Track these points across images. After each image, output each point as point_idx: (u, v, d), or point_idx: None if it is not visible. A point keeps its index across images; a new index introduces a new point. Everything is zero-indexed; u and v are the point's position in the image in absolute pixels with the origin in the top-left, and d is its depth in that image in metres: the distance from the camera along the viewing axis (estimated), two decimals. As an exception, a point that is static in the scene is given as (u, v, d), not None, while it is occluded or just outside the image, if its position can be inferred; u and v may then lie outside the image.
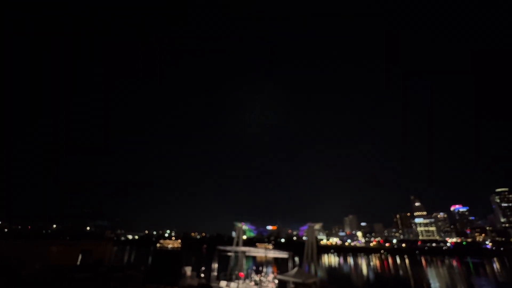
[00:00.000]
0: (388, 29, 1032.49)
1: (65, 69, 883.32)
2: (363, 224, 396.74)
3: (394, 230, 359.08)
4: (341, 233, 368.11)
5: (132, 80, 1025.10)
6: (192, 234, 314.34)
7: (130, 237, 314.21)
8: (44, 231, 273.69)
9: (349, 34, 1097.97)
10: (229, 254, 46.57)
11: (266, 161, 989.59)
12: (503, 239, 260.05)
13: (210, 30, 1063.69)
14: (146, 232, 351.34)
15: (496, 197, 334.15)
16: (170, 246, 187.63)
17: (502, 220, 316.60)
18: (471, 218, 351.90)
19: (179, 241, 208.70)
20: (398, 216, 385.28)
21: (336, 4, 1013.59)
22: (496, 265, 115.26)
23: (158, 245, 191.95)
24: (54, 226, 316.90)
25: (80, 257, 45.07)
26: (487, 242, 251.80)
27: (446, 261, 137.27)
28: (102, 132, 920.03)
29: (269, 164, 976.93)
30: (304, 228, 52.99)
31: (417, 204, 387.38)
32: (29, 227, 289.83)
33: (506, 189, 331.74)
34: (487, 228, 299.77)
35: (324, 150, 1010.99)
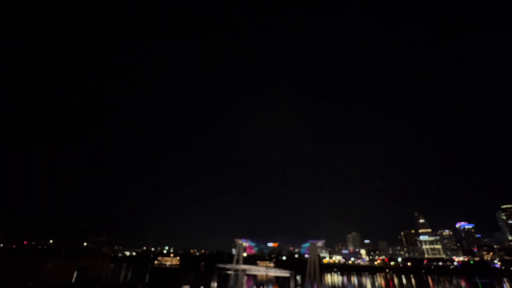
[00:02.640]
0: (400, 40, 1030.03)
1: (63, 73, 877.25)
2: (366, 241, 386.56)
3: (398, 248, 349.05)
4: (344, 251, 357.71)
5: (133, 87, 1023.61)
6: (191, 251, 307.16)
7: (127, 253, 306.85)
8: (40, 247, 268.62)
9: (359, 45, 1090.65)
10: (229, 272, 45.19)
11: (267, 178, 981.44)
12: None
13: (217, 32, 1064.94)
14: (144, 248, 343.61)
15: (502, 214, 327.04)
16: (168, 263, 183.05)
17: (510, 238, 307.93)
18: (477, 235, 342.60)
19: (178, 258, 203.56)
20: (402, 233, 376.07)
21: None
22: (506, 286, 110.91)
23: (156, 262, 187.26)
24: (51, 241, 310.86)
25: (75, 274, 43.79)
26: (495, 261, 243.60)
27: (454, 281, 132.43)
28: (101, 147, 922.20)
29: (270, 180, 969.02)
30: (306, 245, 51.64)
31: (421, 221, 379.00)
32: (25, 242, 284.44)
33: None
34: (495, 246, 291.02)
35: (326, 166, 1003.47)
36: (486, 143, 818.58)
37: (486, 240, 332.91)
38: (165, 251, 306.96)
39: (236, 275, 46.24)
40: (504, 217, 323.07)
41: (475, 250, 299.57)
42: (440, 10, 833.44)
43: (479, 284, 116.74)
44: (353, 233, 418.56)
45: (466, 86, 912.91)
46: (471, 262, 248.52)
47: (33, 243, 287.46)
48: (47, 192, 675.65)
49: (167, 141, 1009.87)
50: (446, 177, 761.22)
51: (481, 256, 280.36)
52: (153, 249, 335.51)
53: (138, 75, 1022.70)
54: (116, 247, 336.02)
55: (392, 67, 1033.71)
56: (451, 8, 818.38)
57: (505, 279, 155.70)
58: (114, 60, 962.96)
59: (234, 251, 55.31)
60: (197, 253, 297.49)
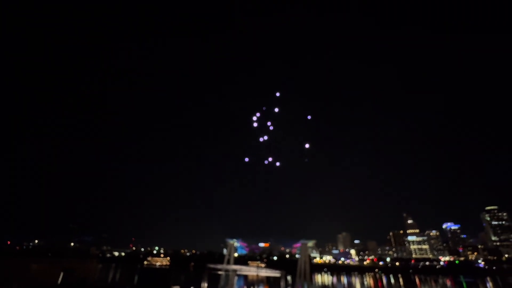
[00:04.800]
0: (400, 40, 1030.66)
1: (63, 73, 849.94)
2: (356, 241, 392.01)
3: (387, 248, 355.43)
4: (335, 251, 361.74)
5: (133, 87, 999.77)
6: (182, 251, 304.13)
7: (116, 253, 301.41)
8: (24, 247, 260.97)
9: (359, 45, 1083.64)
10: (220, 272, 44.93)
11: (259, 178, 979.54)
12: (495, 257, 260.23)
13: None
14: (134, 248, 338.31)
15: (486, 215, 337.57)
16: (158, 264, 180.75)
17: (493, 238, 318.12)
18: (462, 236, 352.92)
19: (168, 258, 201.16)
20: (391, 233, 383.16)
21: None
22: (489, 285, 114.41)
23: (145, 262, 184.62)
24: (36, 241, 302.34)
25: (61, 276, 42.64)
26: (479, 261, 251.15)
27: (440, 281, 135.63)
28: (91, 145, 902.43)
29: (262, 181, 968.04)
30: (297, 245, 51.86)
31: (409, 221, 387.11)
32: (9, 242, 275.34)
33: (496, 207, 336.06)
34: (479, 246, 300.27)
35: (317, 166, 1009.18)
36: (482, 144, 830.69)
37: (471, 240, 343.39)
38: (155, 251, 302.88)
39: (227, 275, 46.03)
40: (488, 218, 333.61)
41: (461, 250, 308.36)
42: (440, 10, 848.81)
43: (464, 283, 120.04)
44: (344, 234, 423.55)
45: (466, 86, 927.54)
46: (457, 262, 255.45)
47: (17, 243, 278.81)
48: (33, 190, 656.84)
49: (164, 141, 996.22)
50: (435, 178, 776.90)
51: (466, 256, 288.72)
52: (142, 249, 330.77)
53: (138, 75, 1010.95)
54: (104, 247, 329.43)
55: (392, 67, 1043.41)
56: (451, 8, 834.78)
57: (488, 278, 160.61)
58: (114, 60, 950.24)
59: (225, 251, 54.95)
60: (188, 253, 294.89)
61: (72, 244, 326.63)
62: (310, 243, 48.14)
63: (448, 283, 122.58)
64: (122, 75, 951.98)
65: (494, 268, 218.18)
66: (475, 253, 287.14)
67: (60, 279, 42.18)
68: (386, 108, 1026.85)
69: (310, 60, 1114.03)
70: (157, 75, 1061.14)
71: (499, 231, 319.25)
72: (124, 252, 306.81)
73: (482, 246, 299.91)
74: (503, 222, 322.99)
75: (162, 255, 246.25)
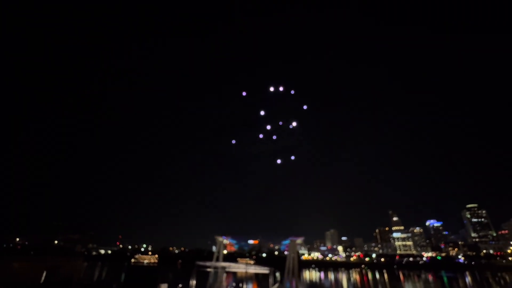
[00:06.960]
0: (400, 40, 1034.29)
1: (63, 74, 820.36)
2: (344, 238, 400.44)
3: (373, 244, 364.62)
4: (322, 248, 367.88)
5: (133, 87, 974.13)
6: (170, 248, 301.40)
7: (102, 251, 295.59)
8: (5, 245, 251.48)
9: (359, 45, 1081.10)
10: (208, 270, 44.88)
11: (248, 175, 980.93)
12: (474, 253, 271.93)
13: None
14: (121, 246, 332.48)
15: (467, 212, 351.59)
16: (146, 261, 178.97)
17: (473, 235, 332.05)
18: (445, 232, 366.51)
19: (156, 256, 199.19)
20: (377, 230, 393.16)
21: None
22: (468, 279, 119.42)
23: (133, 260, 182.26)
24: (17, 239, 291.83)
25: (44, 274, 41.45)
26: (460, 257, 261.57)
27: (423, 276, 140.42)
28: (80, 138, 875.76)
29: (251, 178, 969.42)
30: (286, 242, 52.42)
31: (395, 219, 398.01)
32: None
33: (476, 205, 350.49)
34: (460, 242, 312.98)
35: (305, 164, 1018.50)
36: (475, 144, 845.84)
37: (452, 237, 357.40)
38: (142, 249, 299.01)
39: (216, 273, 46.01)
40: (469, 216, 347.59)
41: (442, 246, 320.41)
42: (440, 10, 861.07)
43: (445, 278, 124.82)
44: (331, 231, 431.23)
45: (466, 86, 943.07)
46: (438, 257, 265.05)
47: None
48: (15, 186, 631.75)
49: (161, 140, 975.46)
50: (421, 177, 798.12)
51: (447, 252, 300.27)
52: (130, 247, 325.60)
53: (138, 75, 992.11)
54: (90, 245, 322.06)
55: (392, 67, 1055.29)
56: (451, 8, 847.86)
57: (467, 273, 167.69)
58: (114, 60, 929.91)
59: (214, 248, 54.88)
60: (177, 251, 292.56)
61: (56, 242, 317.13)
62: (299, 240, 48.70)
63: (430, 278, 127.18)
64: (122, 75, 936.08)
65: (473, 263, 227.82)
66: (456, 249, 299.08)
67: (43, 277, 41.00)
68: (385, 108, 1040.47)
69: (310, 60, 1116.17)
70: (157, 75, 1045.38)
71: (478, 228, 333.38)
72: (111, 250, 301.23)
73: (463, 243, 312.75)
74: (482, 220, 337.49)
75: (150, 253, 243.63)
